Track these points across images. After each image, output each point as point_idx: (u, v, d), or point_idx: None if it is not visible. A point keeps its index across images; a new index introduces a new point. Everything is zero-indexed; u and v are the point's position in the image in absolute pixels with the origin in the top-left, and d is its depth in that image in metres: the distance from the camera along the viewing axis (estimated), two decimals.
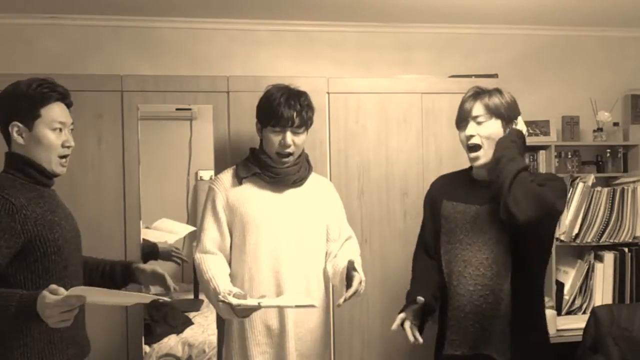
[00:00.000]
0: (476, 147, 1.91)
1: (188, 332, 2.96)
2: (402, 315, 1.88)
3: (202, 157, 3.16)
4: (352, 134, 2.46)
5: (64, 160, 1.74)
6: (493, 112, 1.90)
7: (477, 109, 1.91)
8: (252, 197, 2.00)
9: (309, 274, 2.02)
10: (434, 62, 3.88)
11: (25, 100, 1.69)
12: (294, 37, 3.78)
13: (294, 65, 3.74)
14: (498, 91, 1.95)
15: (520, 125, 1.94)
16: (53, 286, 1.42)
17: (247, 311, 1.77)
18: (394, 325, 1.86)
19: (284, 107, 1.93)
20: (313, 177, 2.12)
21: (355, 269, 1.93)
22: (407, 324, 1.85)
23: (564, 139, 3.95)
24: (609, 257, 2.94)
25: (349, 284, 1.89)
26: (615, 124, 3.98)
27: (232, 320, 2.01)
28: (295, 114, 1.94)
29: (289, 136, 1.95)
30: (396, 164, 2.49)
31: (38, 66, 3.36)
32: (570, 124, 3.93)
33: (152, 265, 1.95)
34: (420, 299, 1.84)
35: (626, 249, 2.95)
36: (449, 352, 1.93)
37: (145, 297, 1.65)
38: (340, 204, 2.18)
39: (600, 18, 3.79)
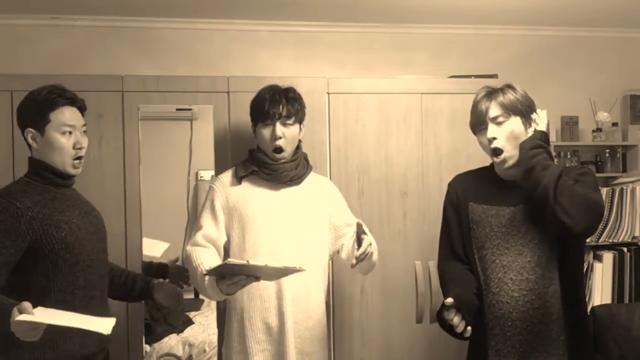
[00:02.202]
0: (499, 151, 1.82)
1: (188, 332, 2.97)
2: (450, 317, 1.69)
3: (203, 157, 3.17)
4: (352, 135, 2.46)
5: (77, 161, 1.83)
6: (510, 109, 1.81)
7: (494, 109, 1.82)
8: (249, 195, 2.03)
9: (308, 271, 2.03)
10: (433, 63, 3.89)
11: (35, 107, 1.79)
12: (294, 38, 3.80)
13: (294, 66, 3.76)
14: (510, 87, 1.87)
15: (542, 119, 1.84)
16: (25, 304, 1.50)
17: (232, 288, 1.77)
18: (459, 325, 1.69)
19: (270, 102, 2.01)
20: (312, 177, 2.13)
21: (364, 232, 1.92)
22: (455, 320, 1.68)
23: (563, 139, 3.97)
24: (608, 257, 2.94)
25: (359, 247, 1.89)
26: (614, 124, 4.00)
27: (232, 318, 2.03)
28: (281, 107, 2.00)
29: (278, 127, 2.00)
30: (396, 165, 2.50)
31: (39, 66, 3.38)
32: (570, 124, 3.95)
33: (170, 284, 2.04)
34: (449, 300, 1.70)
35: (625, 249, 2.95)
36: None
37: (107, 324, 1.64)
38: (342, 200, 2.19)
39: (599, 18, 3.81)
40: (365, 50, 3.87)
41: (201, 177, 3.33)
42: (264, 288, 1.96)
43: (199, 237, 1.99)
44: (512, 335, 1.80)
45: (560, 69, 4.02)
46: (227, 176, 2.09)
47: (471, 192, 1.92)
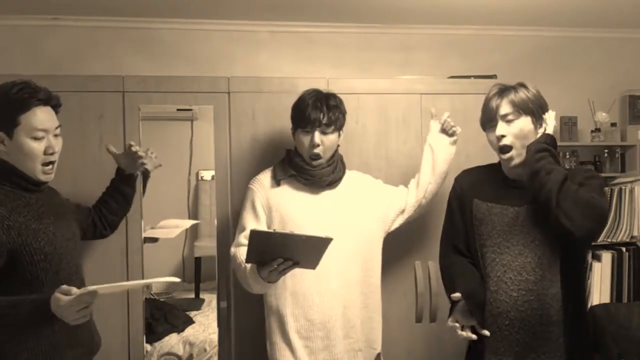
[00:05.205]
0: (508, 148, 1.82)
1: (189, 331, 2.98)
2: (450, 324, 1.81)
3: (203, 157, 3.19)
4: (352, 134, 2.47)
5: (48, 167, 1.70)
6: (521, 108, 1.82)
7: (505, 107, 1.82)
8: (290, 198, 2.05)
9: (351, 273, 2.05)
10: (433, 63, 3.90)
11: (4, 107, 1.63)
12: (294, 38, 3.81)
13: (295, 66, 3.77)
14: (522, 85, 1.87)
15: (550, 123, 1.84)
16: (64, 287, 1.45)
17: (273, 274, 1.78)
18: (463, 333, 1.80)
19: (311, 108, 2.00)
20: (347, 176, 2.15)
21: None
22: (460, 332, 1.79)
23: (562, 139, 3.98)
24: (606, 256, 2.96)
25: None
26: (613, 125, 4.01)
27: (271, 317, 2.03)
28: (322, 115, 2.00)
29: (317, 136, 2.00)
30: (395, 165, 2.51)
31: (40, 67, 3.39)
32: (569, 125, 3.96)
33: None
34: (456, 295, 1.77)
35: (624, 249, 2.97)
36: None
37: (153, 280, 1.68)
38: (381, 186, 2.21)
39: (598, 19, 3.82)
40: (365, 51, 3.88)
41: (202, 177, 3.35)
42: (307, 287, 1.99)
43: (241, 238, 1.99)
44: (509, 335, 1.80)
45: (559, 70, 4.03)
46: (265, 177, 2.10)
47: (476, 188, 1.92)
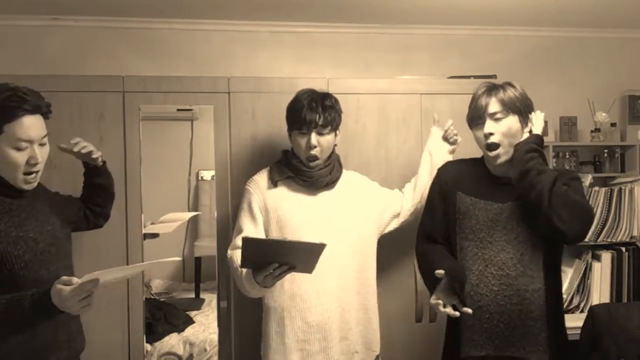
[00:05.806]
0: (495, 146, 1.84)
1: (189, 331, 2.98)
2: (432, 302, 1.77)
3: (203, 157, 3.19)
4: (352, 135, 2.47)
5: (31, 176, 1.65)
6: (510, 107, 1.83)
7: (494, 105, 1.84)
8: (287, 199, 2.04)
9: (348, 274, 2.04)
10: (432, 63, 3.91)
11: None
12: (294, 38, 3.81)
13: (294, 66, 3.78)
14: (510, 85, 1.89)
15: (537, 123, 1.85)
16: (65, 277, 1.44)
17: (268, 279, 1.78)
18: (445, 310, 1.73)
19: (306, 110, 1.98)
20: (345, 176, 2.14)
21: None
22: (442, 309, 1.74)
23: (562, 139, 3.98)
24: (606, 256, 2.95)
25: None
26: (613, 125, 4.01)
27: (270, 317, 2.03)
28: (317, 116, 1.98)
29: (313, 137, 1.99)
30: (395, 165, 2.51)
31: (40, 67, 3.39)
32: (568, 125, 3.97)
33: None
34: (440, 272, 1.75)
35: (623, 249, 2.96)
36: (471, 354, 1.84)
37: (154, 262, 1.65)
38: (377, 188, 2.21)
39: (598, 19, 3.82)
40: (365, 51, 3.88)
41: (202, 177, 3.35)
42: (305, 289, 1.98)
43: (238, 240, 1.97)
44: (489, 328, 1.82)
45: (559, 70, 4.04)
46: (262, 178, 2.09)
47: (461, 182, 1.94)
